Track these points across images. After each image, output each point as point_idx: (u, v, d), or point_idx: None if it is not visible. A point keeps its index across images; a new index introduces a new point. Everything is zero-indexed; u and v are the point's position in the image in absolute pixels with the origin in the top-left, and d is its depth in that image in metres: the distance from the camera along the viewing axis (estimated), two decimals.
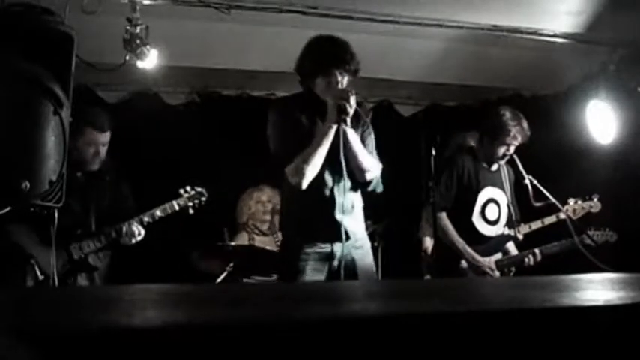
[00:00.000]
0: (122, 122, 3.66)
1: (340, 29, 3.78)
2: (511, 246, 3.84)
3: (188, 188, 3.66)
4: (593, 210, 3.90)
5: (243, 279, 4.01)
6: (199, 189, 3.69)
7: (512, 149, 3.66)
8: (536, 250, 3.76)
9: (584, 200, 3.90)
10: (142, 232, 3.45)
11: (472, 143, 3.91)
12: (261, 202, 4.50)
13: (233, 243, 4.20)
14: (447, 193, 3.61)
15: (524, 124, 3.63)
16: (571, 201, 3.88)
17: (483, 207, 3.71)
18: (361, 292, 1.47)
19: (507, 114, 3.63)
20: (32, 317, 0.79)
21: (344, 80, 2.80)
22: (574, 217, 3.81)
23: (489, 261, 3.70)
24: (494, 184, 3.75)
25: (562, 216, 3.77)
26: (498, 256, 3.77)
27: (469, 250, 3.61)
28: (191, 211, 3.65)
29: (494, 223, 3.74)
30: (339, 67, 2.78)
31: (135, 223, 3.42)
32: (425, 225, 4.27)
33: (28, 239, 3.15)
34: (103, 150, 3.48)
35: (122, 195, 3.60)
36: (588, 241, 3.76)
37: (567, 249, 3.70)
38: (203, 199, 3.68)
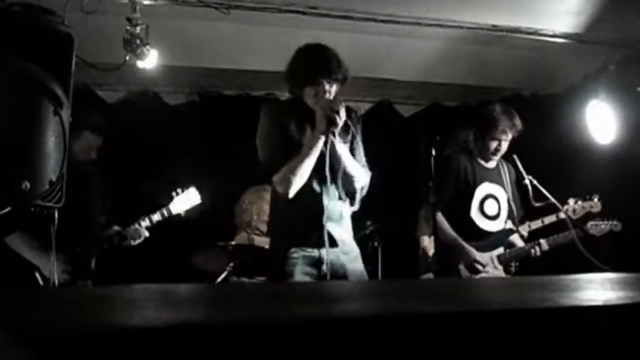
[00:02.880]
0: (122, 122, 3.67)
1: (340, 29, 3.79)
2: (517, 240, 3.84)
3: (179, 190, 3.68)
4: (594, 210, 3.90)
5: (245, 279, 4.01)
6: (190, 190, 3.70)
7: (504, 144, 3.69)
8: (542, 241, 3.76)
9: (584, 200, 3.90)
10: (147, 233, 3.47)
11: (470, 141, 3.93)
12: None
13: (234, 242, 4.19)
14: (441, 193, 3.62)
15: (516, 120, 3.67)
16: (571, 201, 3.88)
17: (482, 202, 3.73)
18: (359, 292, 1.47)
19: (497, 109, 3.70)
20: (32, 317, 0.79)
21: (332, 89, 2.79)
22: (574, 217, 3.81)
23: (490, 256, 3.70)
24: (492, 180, 3.77)
25: (562, 215, 3.78)
26: (500, 250, 3.78)
27: (460, 241, 3.63)
28: (183, 214, 3.66)
29: (494, 218, 3.75)
30: (327, 76, 2.77)
31: (142, 225, 3.44)
32: (423, 224, 4.28)
33: (27, 247, 3.15)
34: (95, 153, 3.51)
35: (108, 195, 3.61)
36: (592, 231, 3.78)
37: (570, 241, 3.71)
38: (196, 200, 3.70)
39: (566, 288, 1.23)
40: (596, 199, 3.91)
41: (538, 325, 0.79)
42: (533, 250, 3.75)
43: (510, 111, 3.69)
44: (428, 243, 4.28)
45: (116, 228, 3.46)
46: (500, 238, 3.78)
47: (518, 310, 0.85)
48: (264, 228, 4.44)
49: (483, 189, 3.74)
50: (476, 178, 3.73)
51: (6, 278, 3.14)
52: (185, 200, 3.67)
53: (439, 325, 0.76)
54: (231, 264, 4.13)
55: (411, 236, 4.26)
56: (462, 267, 3.66)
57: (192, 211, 3.71)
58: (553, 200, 3.60)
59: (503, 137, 3.66)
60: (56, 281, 2.71)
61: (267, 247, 4.12)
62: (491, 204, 3.75)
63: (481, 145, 3.74)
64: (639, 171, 4.04)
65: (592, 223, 3.83)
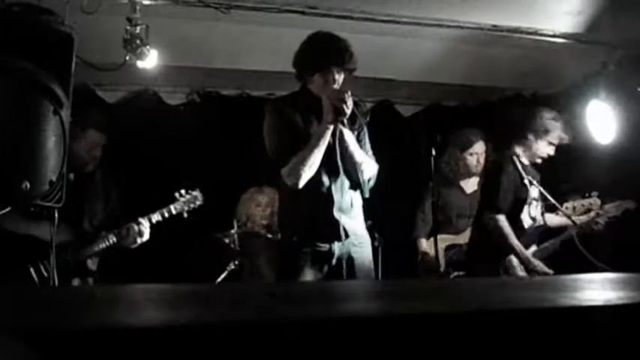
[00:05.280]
0: (122, 122, 3.66)
1: (340, 29, 3.78)
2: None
3: (183, 192, 3.66)
4: (593, 207, 3.90)
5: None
6: (194, 192, 3.69)
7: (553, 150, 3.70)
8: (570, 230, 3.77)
9: (583, 197, 3.90)
10: (147, 234, 3.46)
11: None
12: (260, 205, 4.51)
13: (233, 231, 4.24)
14: (505, 196, 3.59)
15: (563, 125, 3.70)
16: (570, 199, 3.87)
17: (529, 205, 3.72)
18: (362, 292, 1.47)
19: (547, 115, 3.70)
20: (32, 317, 0.79)
21: (340, 78, 2.80)
22: (575, 215, 3.80)
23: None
24: (535, 182, 3.77)
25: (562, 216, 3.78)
26: (534, 248, 3.76)
27: (525, 252, 3.58)
28: (185, 215, 3.64)
29: (534, 218, 3.74)
30: (337, 65, 2.78)
31: (143, 223, 3.42)
32: (420, 225, 4.27)
33: (20, 219, 3.13)
34: (100, 151, 3.50)
35: (110, 195, 3.60)
36: (614, 212, 3.75)
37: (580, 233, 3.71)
38: (198, 202, 3.68)
39: (566, 288, 1.23)
40: (595, 196, 3.90)
41: (538, 325, 0.79)
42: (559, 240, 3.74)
43: (557, 117, 3.70)
44: (426, 245, 4.28)
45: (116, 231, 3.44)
46: (532, 235, 3.76)
47: (519, 310, 0.85)
48: (259, 228, 4.47)
49: (532, 192, 3.72)
50: (527, 182, 3.70)
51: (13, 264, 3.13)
52: (188, 202, 3.66)
53: (439, 325, 0.76)
54: (232, 265, 4.15)
55: (411, 237, 4.26)
56: (511, 262, 3.62)
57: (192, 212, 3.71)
58: (553, 201, 3.60)
59: (556, 142, 3.67)
60: (56, 278, 2.68)
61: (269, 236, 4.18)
62: (535, 205, 3.73)
63: (534, 149, 3.70)
64: (639, 171, 4.03)
65: (609, 205, 3.79)
